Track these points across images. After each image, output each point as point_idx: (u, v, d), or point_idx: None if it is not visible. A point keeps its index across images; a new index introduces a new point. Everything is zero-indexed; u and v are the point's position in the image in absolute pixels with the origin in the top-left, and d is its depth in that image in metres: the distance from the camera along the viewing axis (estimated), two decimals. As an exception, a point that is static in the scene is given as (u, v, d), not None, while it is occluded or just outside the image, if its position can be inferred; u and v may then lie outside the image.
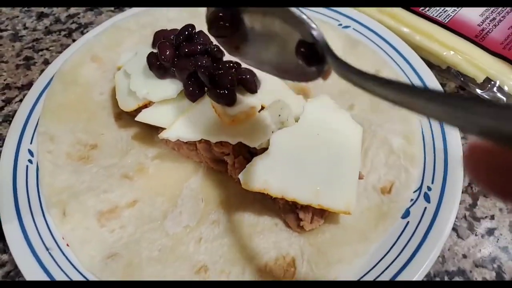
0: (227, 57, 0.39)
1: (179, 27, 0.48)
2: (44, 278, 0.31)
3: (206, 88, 0.37)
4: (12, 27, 0.56)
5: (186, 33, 0.38)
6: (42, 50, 0.53)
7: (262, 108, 0.36)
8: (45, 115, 0.42)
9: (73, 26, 0.56)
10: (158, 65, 0.38)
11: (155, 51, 0.41)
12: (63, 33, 0.55)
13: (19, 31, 0.55)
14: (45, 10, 0.58)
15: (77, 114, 0.42)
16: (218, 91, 0.35)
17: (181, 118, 0.37)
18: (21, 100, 0.48)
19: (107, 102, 0.44)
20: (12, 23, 0.57)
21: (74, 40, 0.54)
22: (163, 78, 0.39)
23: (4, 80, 0.50)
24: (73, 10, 0.58)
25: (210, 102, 0.36)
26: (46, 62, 0.51)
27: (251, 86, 0.34)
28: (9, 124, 0.45)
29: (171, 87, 0.38)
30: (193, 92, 0.38)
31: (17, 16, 0.58)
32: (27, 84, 0.49)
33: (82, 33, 0.55)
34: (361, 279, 0.31)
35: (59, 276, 0.31)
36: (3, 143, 0.41)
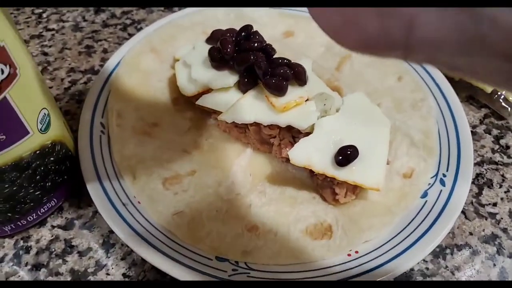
0: (278, 54, 0.46)
1: (226, 27, 0.55)
2: (124, 226, 0.37)
3: (258, 80, 0.44)
4: (73, 18, 0.62)
5: (246, 31, 0.45)
6: (101, 40, 0.59)
7: (307, 99, 0.43)
8: (113, 95, 0.48)
9: (128, 21, 0.62)
10: (219, 57, 0.45)
11: (209, 46, 0.48)
12: (118, 27, 0.62)
13: (79, 23, 0.62)
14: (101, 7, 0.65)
15: (140, 95, 0.49)
16: (272, 82, 0.41)
17: (237, 103, 0.43)
18: (85, 82, 0.54)
19: (165, 89, 0.50)
20: (72, 15, 0.63)
21: (129, 34, 0.60)
22: (220, 70, 0.46)
23: (69, 64, 0.56)
24: (126, 8, 0.65)
25: (263, 91, 0.43)
26: (105, 51, 0.58)
27: (303, 79, 0.41)
28: (76, 101, 0.52)
29: (229, 77, 0.45)
30: (247, 83, 0.44)
31: (77, 9, 0.64)
32: (89, 69, 0.55)
33: (136, 28, 0.61)
34: (389, 242, 0.37)
35: (136, 226, 0.37)
36: (71, 117, 0.47)
